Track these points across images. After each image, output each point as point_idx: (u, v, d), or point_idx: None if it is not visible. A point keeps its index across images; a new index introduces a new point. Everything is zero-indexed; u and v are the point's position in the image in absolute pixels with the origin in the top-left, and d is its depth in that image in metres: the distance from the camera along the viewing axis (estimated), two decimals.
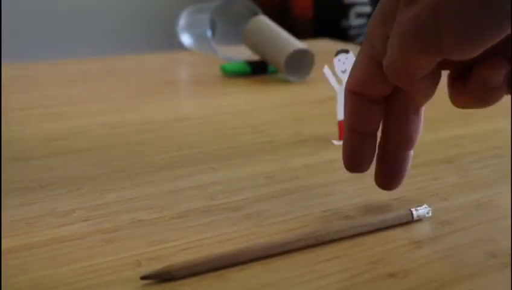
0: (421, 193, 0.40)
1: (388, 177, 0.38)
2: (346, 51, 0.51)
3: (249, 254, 0.32)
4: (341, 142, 0.51)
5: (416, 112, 0.36)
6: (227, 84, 0.79)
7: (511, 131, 0.49)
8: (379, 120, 0.36)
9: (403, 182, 0.38)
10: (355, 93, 0.36)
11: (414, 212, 0.36)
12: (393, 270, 0.31)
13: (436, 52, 0.29)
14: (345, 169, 0.47)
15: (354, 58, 0.52)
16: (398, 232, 0.35)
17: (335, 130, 0.53)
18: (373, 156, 0.37)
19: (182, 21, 1.04)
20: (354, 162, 0.37)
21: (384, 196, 0.40)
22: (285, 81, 0.78)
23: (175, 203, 0.40)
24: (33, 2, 1.80)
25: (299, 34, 1.02)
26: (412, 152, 0.37)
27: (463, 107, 0.33)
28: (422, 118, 0.36)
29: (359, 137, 0.37)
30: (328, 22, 1.62)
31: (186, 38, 1.03)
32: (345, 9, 1.60)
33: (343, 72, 0.51)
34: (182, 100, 0.75)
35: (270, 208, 0.39)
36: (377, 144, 0.37)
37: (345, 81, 0.51)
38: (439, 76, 0.32)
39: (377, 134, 0.37)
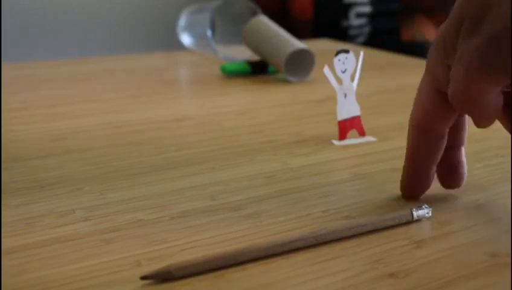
0: None
1: (452, 177, 0.39)
2: (346, 51, 0.51)
3: (249, 254, 0.32)
4: (341, 142, 0.52)
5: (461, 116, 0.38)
6: (227, 84, 0.79)
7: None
8: (441, 154, 0.38)
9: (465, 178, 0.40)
10: (422, 130, 0.37)
11: (414, 213, 0.36)
12: (393, 270, 0.31)
13: (502, 77, 0.31)
14: (344, 169, 0.47)
15: (354, 60, 0.52)
16: (398, 232, 0.35)
17: (335, 130, 0.53)
18: (431, 183, 0.39)
19: (182, 21, 1.04)
20: (413, 191, 0.39)
21: (384, 195, 0.40)
22: (285, 81, 0.78)
23: (175, 203, 0.40)
24: (33, 2, 1.80)
25: (299, 34, 1.03)
26: (463, 149, 0.39)
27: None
28: (466, 118, 0.39)
29: (421, 169, 0.38)
30: (328, 22, 1.62)
31: (186, 38, 1.03)
32: (345, 9, 1.60)
33: (343, 72, 0.51)
34: (182, 100, 0.75)
35: (270, 208, 0.39)
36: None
37: (345, 80, 0.52)
38: (502, 100, 0.34)
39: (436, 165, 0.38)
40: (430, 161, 0.38)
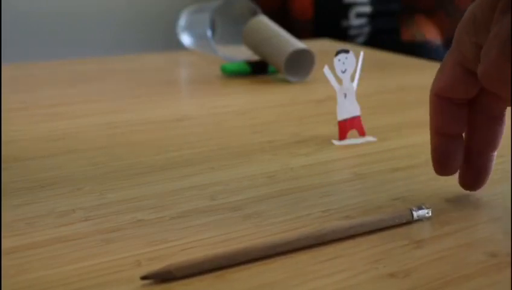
0: (421, 193, 0.40)
1: (475, 179, 0.39)
2: (346, 51, 0.51)
3: (249, 254, 0.32)
4: (341, 142, 0.52)
5: (500, 114, 0.37)
6: (227, 84, 0.79)
7: (511, 131, 0.49)
8: (464, 122, 0.38)
9: (487, 182, 0.39)
10: (440, 97, 0.37)
11: (414, 213, 0.36)
12: (393, 270, 0.31)
13: None
14: (344, 169, 0.47)
15: (354, 60, 0.52)
16: (398, 232, 0.35)
17: (335, 130, 0.53)
18: (461, 158, 0.38)
19: (182, 21, 1.04)
20: (443, 165, 0.39)
21: (384, 195, 0.40)
22: (285, 81, 0.78)
23: (175, 203, 0.40)
24: (33, 2, 1.80)
25: (299, 34, 1.03)
26: (495, 153, 0.39)
27: None
28: (505, 119, 0.38)
29: (446, 140, 0.38)
30: (328, 22, 1.62)
31: (186, 38, 1.03)
32: (345, 9, 1.60)
33: (343, 72, 0.51)
34: (182, 100, 0.75)
35: (270, 208, 0.39)
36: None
37: (345, 80, 0.52)
38: None
39: (462, 137, 0.38)
40: (454, 128, 0.37)
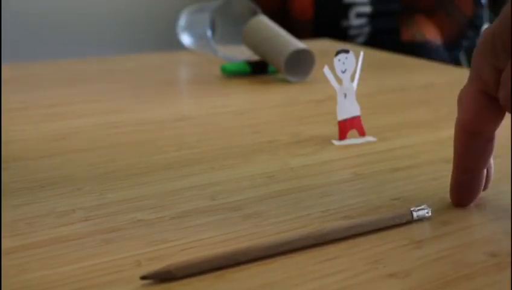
0: (421, 193, 0.40)
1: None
2: (346, 51, 0.51)
3: (249, 254, 0.32)
4: (341, 142, 0.52)
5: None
6: (227, 84, 0.79)
7: (511, 131, 0.49)
8: (490, 158, 0.37)
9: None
10: (470, 133, 0.36)
11: (414, 213, 0.36)
12: (393, 270, 0.31)
13: None
14: (344, 169, 0.47)
15: (354, 60, 0.52)
16: (398, 232, 0.35)
17: (335, 130, 0.53)
18: (481, 190, 0.38)
19: (182, 21, 1.04)
20: (463, 199, 0.38)
21: (384, 195, 0.40)
22: (285, 81, 0.78)
23: (175, 203, 0.40)
24: (33, 2, 1.80)
25: (299, 34, 1.02)
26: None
27: None
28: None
29: (469, 176, 0.37)
30: (328, 22, 1.62)
31: (186, 38, 1.03)
32: (345, 9, 1.59)
33: (343, 72, 0.51)
34: (182, 100, 0.75)
35: (270, 208, 0.39)
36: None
37: (345, 80, 0.52)
38: None
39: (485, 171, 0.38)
40: (480, 165, 0.37)
